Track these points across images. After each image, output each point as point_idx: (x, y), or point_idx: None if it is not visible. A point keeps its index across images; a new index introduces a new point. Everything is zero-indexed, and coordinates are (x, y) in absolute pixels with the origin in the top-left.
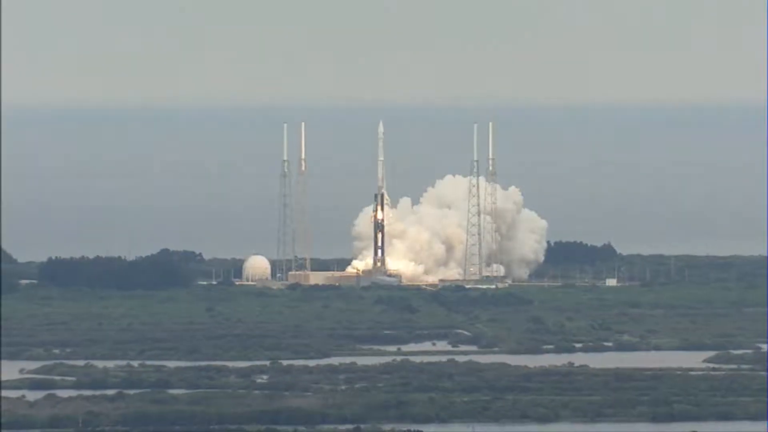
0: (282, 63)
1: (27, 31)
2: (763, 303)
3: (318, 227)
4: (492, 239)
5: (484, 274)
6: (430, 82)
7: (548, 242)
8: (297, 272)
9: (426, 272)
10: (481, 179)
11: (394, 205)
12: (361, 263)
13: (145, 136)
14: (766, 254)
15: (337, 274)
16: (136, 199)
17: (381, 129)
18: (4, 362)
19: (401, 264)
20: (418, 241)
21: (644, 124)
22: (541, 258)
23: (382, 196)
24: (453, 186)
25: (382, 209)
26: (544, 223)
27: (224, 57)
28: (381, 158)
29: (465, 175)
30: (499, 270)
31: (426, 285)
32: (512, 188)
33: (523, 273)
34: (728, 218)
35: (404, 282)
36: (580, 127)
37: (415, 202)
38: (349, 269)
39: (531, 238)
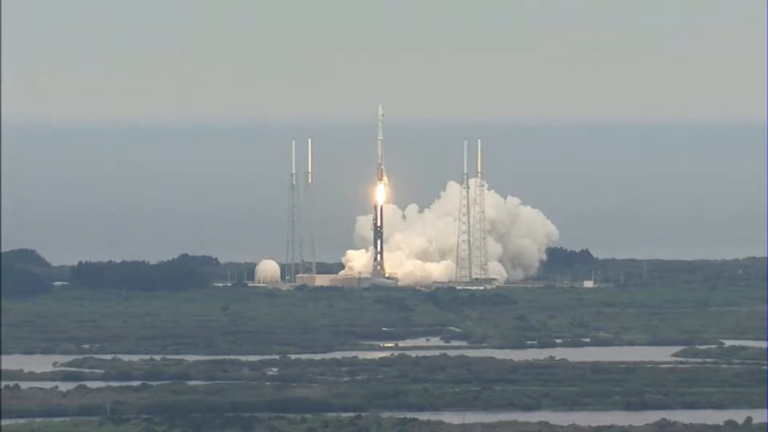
0: (290, 83)
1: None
2: (725, 303)
3: (323, 234)
4: (481, 244)
5: (475, 276)
6: (429, 99)
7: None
8: (304, 275)
9: (422, 272)
10: (478, 189)
11: (402, 208)
12: (358, 254)
13: (162, 152)
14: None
15: (340, 276)
16: (157, 209)
17: (380, 111)
18: (39, 356)
19: (402, 261)
20: (417, 244)
21: (621, 140)
22: (536, 263)
23: (381, 208)
24: (455, 196)
25: (382, 218)
26: (552, 228)
27: (235, 77)
28: (380, 138)
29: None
30: (497, 270)
31: (421, 286)
32: (509, 197)
33: (519, 274)
34: (694, 226)
35: (401, 284)
36: (568, 144)
37: (424, 207)
38: (344, 261)
39: (529, 243)
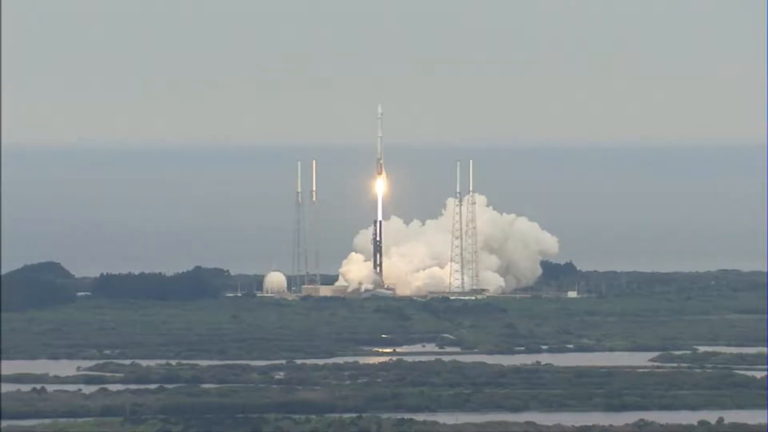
0: (296, 109)
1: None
2: (698, 312)
3: (326, 248)
4: (473, 257)
5: (471, 286)
6: (428, 122)
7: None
8: (309, 286)
9: (420, 283)
10: (470, 206)
11: (407, 222)
12: (355, 260)
13: (175, 173)
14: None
15: (342, 287)
16: (173, 225)
17: (380, 109)
18: (64, 361)
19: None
20: (416, 255)
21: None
22: (529, 274)
23: (380, 224)
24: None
25: (381, 232)
26: (548, 243)
27: (243, 103)
28: (380, 135)
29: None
30: (494, 281)
31: (417, 296)
32: (504, 214)
33: (515, 284)
34: (670, 240)
35: (398, 294)
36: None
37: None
38: (343, 269)
39: (522, 256)
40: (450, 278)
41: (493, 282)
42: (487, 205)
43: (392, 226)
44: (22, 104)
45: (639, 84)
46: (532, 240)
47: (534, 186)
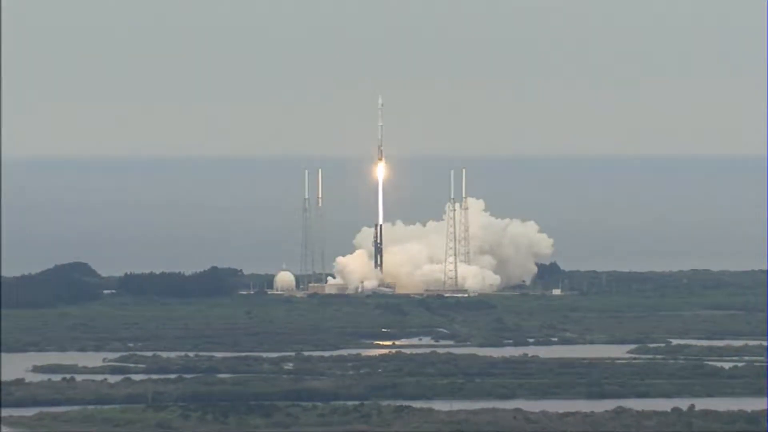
0: (304, 123)
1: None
2: (672, 308)
3: (331, 249)
4: (465, 258)
5: (454, 286)
6: (427, 134)
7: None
8: (315, 284)
9: (417, 281)
10: (465, 211)
11: (408, 223)
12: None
13: (194, 182)
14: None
15: (341, 284)
16: (190, 229)
17: (380, 101)
18: (91, 353)
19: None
20: (414, 255)
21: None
22: (521, 273)
23: (381, 227)
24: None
25: (381, 235)
26: (543, 245)
27: (256, 117)
28: (380, 124)
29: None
30: (492, 278)
31: (414, 294)
32: (499, 219)
33: (507, 282)
34: (646, 242)
35: (397, 292)
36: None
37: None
38: (338, 266)
39: (517, 257)
40: (444, 277)
41: (489, 280)
42: (485, 210)
43: (392, 229)
44: (49, 118)
45: (632, 97)
46: (525, 242)
47: (528, 192)
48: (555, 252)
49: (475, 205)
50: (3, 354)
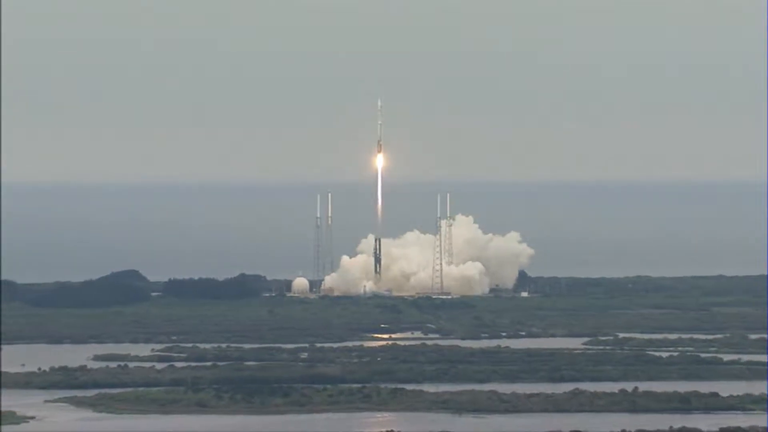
0: (316, 151)
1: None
2: (619, 308)
3: (339, 260)
4: (450, 266)
5: (441, 290)
6: (426, 162)
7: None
8: (325, 288)
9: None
10: (449, 228)
11: (397, 235)
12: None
13: (224, 203)
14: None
15: (351, 289)
16: (223, 242)
17: (380, 103)
18: (141, 345)
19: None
20: (408, 264)
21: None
22: (507, 280)
23: (379, 240)
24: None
25: (380, 248)
26: (527, 251)
27: (277, 145)
28: (380, 122)
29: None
30: (483, 283)
31: (407, 296)
32: (483, 234)
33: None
34: (597, 253)
35: (393, 294)
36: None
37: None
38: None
39: (499, 266)
40: (432, 283)
41: (483, 283)
42: (474, 222)
43: (388, 242)
44: (95, 146)
45: (607, 125)
46: (507, 253)
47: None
48: (533, 260)
49: (465, 220)
50: (70, 345)
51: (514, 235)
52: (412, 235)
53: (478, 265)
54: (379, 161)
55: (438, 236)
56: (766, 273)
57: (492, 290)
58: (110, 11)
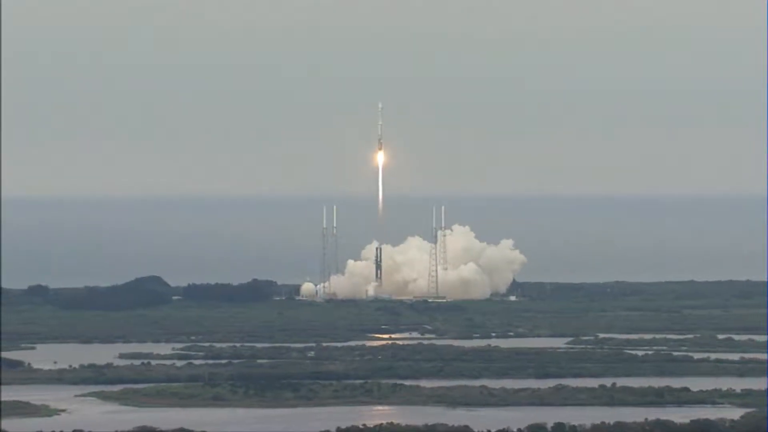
0: (322, 166)
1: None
2: (599, 310)
3: (343, 266)
4: (444, 273)
5: (436, 294)
6: (425, 176)
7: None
8: (330, 291)
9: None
10: (444, 239)
11: (397, 244)
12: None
13: (238, 216)
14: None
15: (354, 294)
16: (238, 251)
17: (380, 105)
18: (163, 344)
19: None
20: (407, 270)
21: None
22: (501, 284)
23: (380, 249)
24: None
25: (381, 256)
26: (520, 259)
27: (285, 159)
28: (380, 123)
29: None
30: (480, 285)
31: (406, 299)
32: (478, 242)
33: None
34: (579, 261)
35: (393, 298)
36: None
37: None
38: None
39: (493, 271)
40: (428, 287)
41: (478, 289)
42: (471, 231)
43: (389, 249)
44: (117, 160)
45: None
46: (501, 260)
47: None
48: (525, 266)
49: (463, 230)
50: (98, 344)
51: (507, 243)
52: (414, 241)
53: (472, 265)
54: (380, 158)
55: (434, 245)
56: (732, 279)
57: (492, 294)
58: (110, 22)
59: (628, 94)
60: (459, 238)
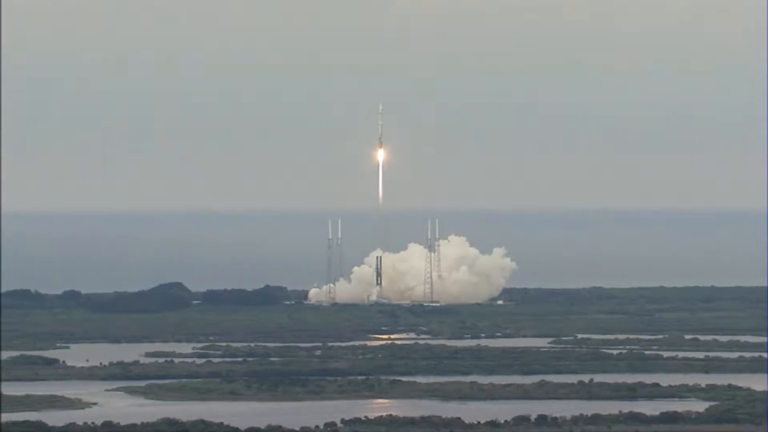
0: (328, 183)
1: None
2: (578, 313)
3: (347, 273)
4: (439, 279)
5: (435, 298)
6: (423, 191)
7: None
8: (333, 295)
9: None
10: (438, 248)
11: (397, 251)
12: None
13: (252, 228)
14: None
15: (357, 298)
16: (252, 260)
17: (380, 107)
18: (184, 343)
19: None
20: (405, 277)
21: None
22: (494, 289)
23: (381, 258)
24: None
25: (381, 265)
26: (510, 266)
27: (293, 174)
28: (380, 122)
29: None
30: (476, 290)
31: (404, 303)
32: (470, 250)
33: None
34: (560, 268)
35: (392, 302)
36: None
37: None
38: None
39: (486, 277)
40: (423, 292)
41: (476, 292)
42: (467, 241)
43: (389, 257)
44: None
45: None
46: (492, 267)
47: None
48: (516, 272)
49: (459, 240)
50: (126, 344)
51: (499, 251)
52: (414, 249)
53: (464, 269)
54: (380, 155)
55: (429, 254)
56: (698, 285)
57: (491, 300)
58: (111, 34)
59: (617, 117)
60: (455, 247)
